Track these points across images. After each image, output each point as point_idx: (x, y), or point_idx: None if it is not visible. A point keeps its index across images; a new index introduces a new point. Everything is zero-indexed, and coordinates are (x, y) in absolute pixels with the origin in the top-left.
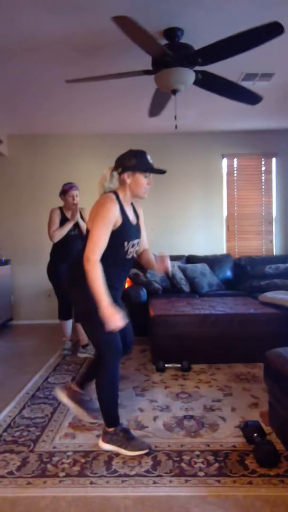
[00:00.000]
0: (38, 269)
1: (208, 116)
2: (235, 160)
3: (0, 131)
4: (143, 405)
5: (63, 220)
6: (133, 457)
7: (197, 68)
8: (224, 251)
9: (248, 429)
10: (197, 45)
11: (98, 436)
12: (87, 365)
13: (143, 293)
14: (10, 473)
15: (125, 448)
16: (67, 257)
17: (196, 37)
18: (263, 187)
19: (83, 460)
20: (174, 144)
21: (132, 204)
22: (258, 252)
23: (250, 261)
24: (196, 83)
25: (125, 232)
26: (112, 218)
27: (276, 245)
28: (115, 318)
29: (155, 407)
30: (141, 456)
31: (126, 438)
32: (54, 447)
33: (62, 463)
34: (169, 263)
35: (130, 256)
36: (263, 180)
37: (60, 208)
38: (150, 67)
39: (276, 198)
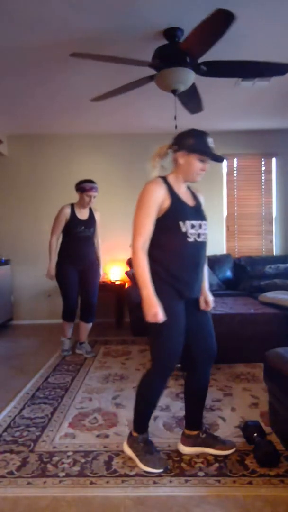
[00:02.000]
0: (38, 269)
1: (208, 116)
2: (235, 160)
3: (0, 131)
4: None
5: (73, 218)
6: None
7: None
8: (224, 251)
9: (248, 429)
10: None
11: (98, 436)
12: (187, 401)
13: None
14: (10, 473)
15: (140, 460)
16: (76, 257)
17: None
18: (263, 187)
19: (83, 460)
20: None
21: (189, 188)
22: (258, 252)
23: (250, 261)
24: (204, 74)
25: (178, 211)
26: (153, 200)
27: (276, 245)
28: (153, 312)
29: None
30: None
31: (144, 450)
32: (54, 447)
33: (62, 463)
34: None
35: (192, 239)
36: (263, 180)
37: (72, 205)
38: (150, 69)
39: (276, 198)
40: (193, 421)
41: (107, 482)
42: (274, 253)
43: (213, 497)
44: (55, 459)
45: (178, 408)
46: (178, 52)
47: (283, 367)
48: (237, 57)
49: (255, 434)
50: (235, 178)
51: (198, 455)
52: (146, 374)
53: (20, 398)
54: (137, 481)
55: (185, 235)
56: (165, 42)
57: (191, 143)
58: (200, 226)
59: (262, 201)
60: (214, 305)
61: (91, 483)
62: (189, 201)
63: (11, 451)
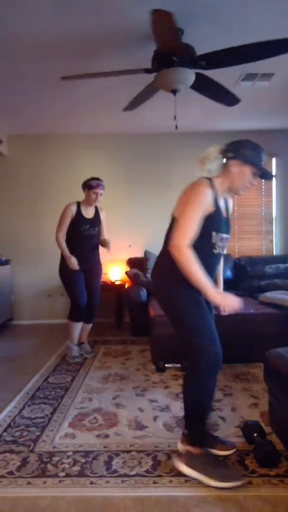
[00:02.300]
0: (38, 269)
1: (208, 116)
2: None
3: (0, 131)
4: (143, 405)
5: (78, 216)
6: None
7: (199, 69)
8: (224, 251)
9: (248, 429)
10: (197, 45)
11: (98, 436)
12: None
13: (143, 293)
14: (10, 473)
15: (210, 478)
16: (81, 255)
17: (196, 38)
18: (263, 187)
19: (83, 460)
20: (174, 144)
21: (224, 198)
22: (258, 252)
23: (250, 261)
24: (206, 68)
25: (215, 221)
26: (204, 203)
27: (276, 245)
28: (229, 300)
29: (155, 407)
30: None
31: (213, 465)
32: (54, 447)
33: (62, 463)
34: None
35: (217, 251)
36: (263, 180)
37: (78, 203)
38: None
39: (276, 198)
40: None
41: (107, 482)
42: (274, 253)
43: (213, 497)
44: (55, 459)
45: (178, 408)
46: (176, 52)
47: (283, 367)
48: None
49: (255, 434)
50: None
51: None
52: (192, 378)
53: (20, 398)
54: (137, 481)
55: (213, 246)
56: None
57: (249, 154)
58: (226, 239)
59: (262, 201)
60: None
61: (91, 483)
62: (224, 211)
63: (11, 451)
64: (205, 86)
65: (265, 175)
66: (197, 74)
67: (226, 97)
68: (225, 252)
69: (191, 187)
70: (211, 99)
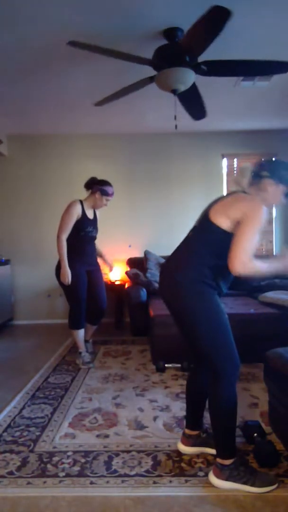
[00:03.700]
0: (38, 269)
1: (208, 116)
2: (235, 160)
3: (0, 131)
4: (143, 405)
5: (83, 216)
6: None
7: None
8: None
9: (248, 429)
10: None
11: (98, 436)
12: (188, 401)
13: (143, 293)
14: (10, 473)
15: (252, 485)
16: (86, 257)
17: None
18: None
19: (83, 460)
20: (174, 144)
21: None
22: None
23: None
24: (205, 74)
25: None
26: (262, 225)
27: (276, 245)
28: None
29: (155, 407)
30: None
31: (249, 473)
32: (54, 447)
33: (62, 463)
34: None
35: None
36: None
37: (81, 202)
38: (152, 71)
39: None
40: (194, 421)
41: (107, 482)
42: (274, 253)
43: (213, 497)
44: (55, 459)
45: (178, 408)
46: (178, 52)
47: (283, 367)
48: (237, 55)
49: (255, 434)
50: None
51: (198, 455)
52: (218, 388)
53: (20, 398)
54: (137, 481)
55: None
56: (165, 42)
57: (285, 174)
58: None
59: None
60: None
61: (91, 483)
62: None
63: (11, 451)
64: (185, 92)
65: None
66: (215, 63)
67: (198, 110)
68: None
69: (255, 205)
70: (182, 106)
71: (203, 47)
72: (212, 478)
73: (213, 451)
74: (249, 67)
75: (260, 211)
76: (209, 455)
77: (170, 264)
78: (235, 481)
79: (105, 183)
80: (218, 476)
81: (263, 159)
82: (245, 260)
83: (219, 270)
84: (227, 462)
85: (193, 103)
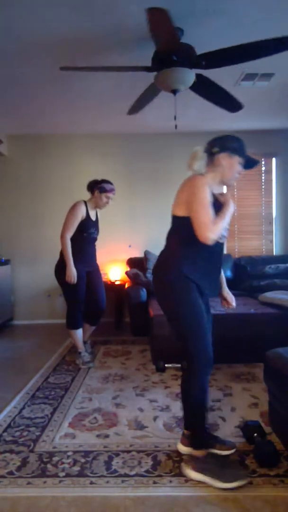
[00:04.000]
0: (38, 269)
1: (208, 116)
2: None
3: (0, 131)
4: (143, 405)
5: (87, 217)
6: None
7: (199, 69)
8: (224, 251)
9: (248, 429)
10: (197, 45)
11: (98, 436)
12: (183, 401)
13: (143, 293)
14: (10, 473)
15: (218, 479)
16: (85, 260)
17: (196, 38)
18: (263, 187)
19: (83, 460)
20: (174, 144)
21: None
22: (258, 252)
23: (250, 261)
24: (206, 67)
25: (215, 211)
26: (208, 194)
27: (276, 245)
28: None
29: (155, 407)
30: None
31: (217, 466)
32: (54, 447)
33: (62, 463)
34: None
35: (222, 241)
36: (263, 180)
37: (85, 203)
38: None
39: (276, 198)
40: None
41: (107, 482)
42: (274, 253)
43: (213, 497)
44: (55, 459)
45: (178, 408)
46: (175, 51)
47: (283, 367)
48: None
49: (255, 434)
50: None
51: None
52: (188, 380)
53: (20, 398)
54: (137, 481)
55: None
56: None
57: (236, 146)
58: (226, 229)
59: (262, 201)
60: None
61: (91, 483)
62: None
63: (11, 451)
64: (208, 90)
65: (251, 162)
66: (201, 77)
67: (230, 103)
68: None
69: (197, 184)
70: (215, 105)
71: (176, 43)
72: (184, 468)
73: (213, 451)
74: (247, 51)
75: (200, 183)
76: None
77: (155, 265)
78: (205, 474)
79: (101, 181)
80: (190, 467)
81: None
82: (208, 229)
83: (195, 258)
84: (198, 453)
85: (221, 97)
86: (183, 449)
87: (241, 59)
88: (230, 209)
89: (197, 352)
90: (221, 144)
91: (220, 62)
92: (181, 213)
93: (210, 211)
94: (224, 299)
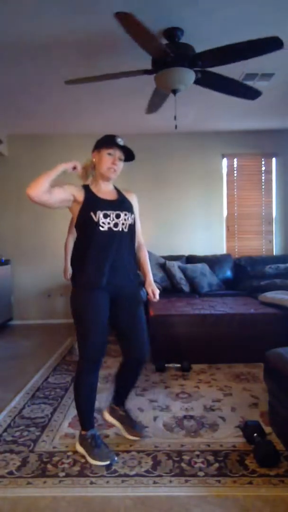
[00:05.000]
0: (39, 269)
1: (208, 116)
2: (235, 160)
3: (0, 131)
4: (143, 405)
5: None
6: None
7: (197, 68)
8: (224, 251)
9: (248, 429)
10: (197, 45)
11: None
12: (114, 380)
13: (143, 293)
14: (10, 473)
15: (88, 455)
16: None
17: (196, 38)
18: (263, 187)
19: (83, 460)
20: (174, 144)
21: (117, 189)
22: (258, 252)
23: (250, 261)
24: (196, 82)
25: (90, 204)
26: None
27: (276, 245)
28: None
29: (155, 407)
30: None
31: (92, 445)
32: (54, 447)
33: (62, 463)
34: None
35: (105, 228)
36: (263, 180)
37: None
38: (150, 67)
39: (276, 198)
40: (120, 398)
41: (107, 482)
42: (274, 253)
43: (213, 497)
44: (55, 459)
45: (178, 408)
46: (176, 52)
47: (283, 367)
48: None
49: (255, 434)
50: (235, 178)
51: (198, 455)
52: (76, 371)
53: (20, 398)
54: (137, 481)
55: (97, 224)
56: (165, 42)
57: (99, 141)
58: (117, 216)
59: (262, 201)
60: (158, 298)
61: (91, 483)
62: (107, 196)
63: (11, 451)
64: (220, 84)
65: (111, 141)
66: (208, 73)
67: (247, 91)
68: (125, 229)
69: None
70: (232, 96)
71: (155, 42)
72: (76, 443)
73: (122, 428)
74: (240, 50)
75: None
76: (209, 455)
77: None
78: (83, 448)
79: None
80: (78, 440)
81: None
82: (28, 186)
83: (84, 254)
84: (83, 432)
85: (234, 87)
86: (107, 416)
87: (235, 58)
88: (58, 167)
89: (81, 349)
90: (93, 148)
91: (215, 61)
92: (72, 213)
93: (45, 180)
94: (150, 291)
